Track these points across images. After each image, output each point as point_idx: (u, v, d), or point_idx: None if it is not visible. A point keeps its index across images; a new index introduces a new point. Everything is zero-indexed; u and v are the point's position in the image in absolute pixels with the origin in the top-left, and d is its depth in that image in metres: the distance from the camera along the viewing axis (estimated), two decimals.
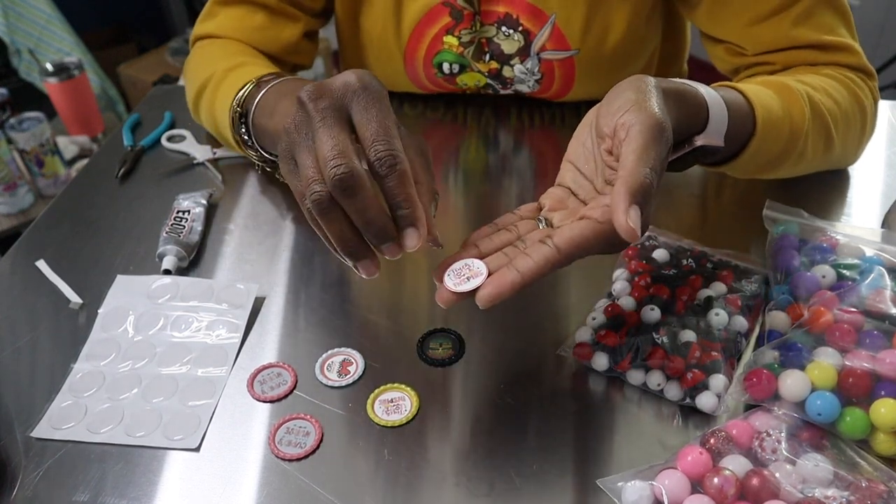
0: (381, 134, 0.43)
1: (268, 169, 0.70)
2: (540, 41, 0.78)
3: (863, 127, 0.70)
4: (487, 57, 0.82)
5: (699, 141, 0.53)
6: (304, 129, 0.45)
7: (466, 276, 0.45)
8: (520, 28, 0.78)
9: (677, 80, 0.53)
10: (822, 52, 0.70)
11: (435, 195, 0.48)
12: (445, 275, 0.46)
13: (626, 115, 0.46)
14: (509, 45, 0.80)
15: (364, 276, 0.46)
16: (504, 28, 0.79)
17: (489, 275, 0.45)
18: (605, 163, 0.49)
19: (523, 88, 0.85)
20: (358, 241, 0.45)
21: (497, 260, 0.47)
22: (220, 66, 0.72)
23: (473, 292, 0.45)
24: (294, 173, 0.46)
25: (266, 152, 0.66)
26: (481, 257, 0.47)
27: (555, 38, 0.78)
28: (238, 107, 0.65)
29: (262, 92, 0.63)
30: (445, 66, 0.83)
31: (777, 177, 0.69)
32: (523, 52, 0.80)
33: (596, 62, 0.79)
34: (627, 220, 0.42)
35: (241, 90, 0.65)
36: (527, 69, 0.81)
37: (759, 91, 0.61)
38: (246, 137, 0.66)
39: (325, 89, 0.45)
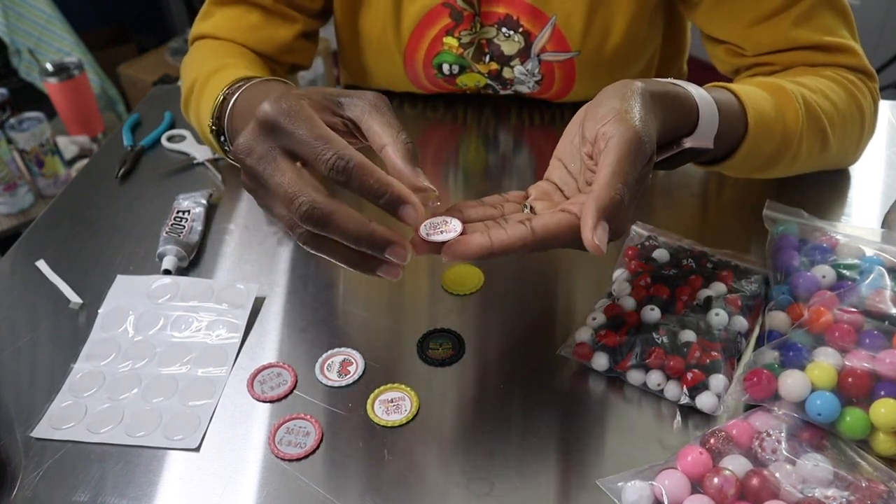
0: (317, 146, 0.43)
1: None
2: (540, 42, 0.78)
3: (861, 128, 0.70)
4: (487, 58, 0.82)
5: (687, 143, 0.53)
6: (257, 184, 0.46)
7: (441, 229, 0.46)
8: (520, 29, 0.78)
9: (668, 80, 0.53)
10: (822, 54, 0.70)
11: (408, 144, 0.46)
12: (422, 225, 0.46)
13: (608, 126, 0.46)
14: (509, 46, 0.80)
15: (392, 279, 0.45)
16: (504, 29, 0.79)
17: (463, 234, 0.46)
18: (585, 165, 0.50)
19: (523, 89, 0.85)
20: (362, 255, 0.45)
21: (475, 227, 0.48)
22: (203, 70, 0.71)
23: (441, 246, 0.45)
24: (277, 219, 0.47)
25: None
26: (463, 221, 0.47)
27: (555, 39, 0.78)
28: (213, 125, 0.65)
29: (230, 105, 0.63)
30: (445, 67, 0.83)
31: (772, 176, 0.69)
32: (524, 54, 0.80)
33: (596, 64, 0.79)
34: (594, 237, 0.43)
35: (214, 101, 0.65)
36: (527, 70, 0.81)
37: (752, 92, 0.61)
38: (228, 148, 0.66)
39: (250, 139, 0.45)
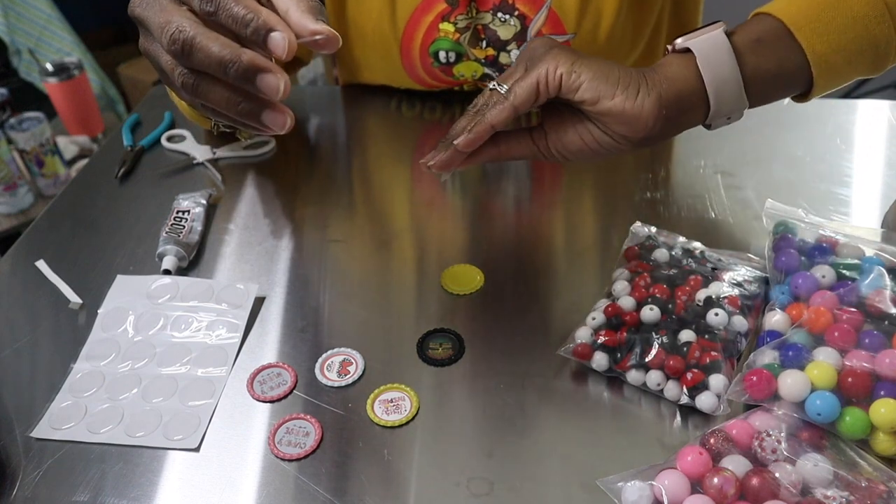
0: None
1: (227, 130, 0.68)
2: (536, 25, 0.79)
3: None
4: (484, 43, 0.82)
5: (713, 117, 0.54)
6: (146, 38, 0.45)
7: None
8: (516, 13, 0.78)
9: (666, 67, 0.54)
10: None
11: (312, 3, 0.44)
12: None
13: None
14: (506, 30, 0.80)
15: (279, 131, 0.44)
16: (500, 14, 0.79)
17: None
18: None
19: None
20: (243, 97, 0.43)
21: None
22: None
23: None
24: (167, 81, 0.45)
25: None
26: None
27: (551, 22, 0.78)
28: None
29: None
30: (442, 55, 0.82)
31: None
32: (520, 38, 0.80)
33: (592, 47, 0.79)
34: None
35: None
36: None
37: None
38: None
39: None
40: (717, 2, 0.83)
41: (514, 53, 0.82)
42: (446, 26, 0.80)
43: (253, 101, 0.43)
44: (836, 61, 0.55)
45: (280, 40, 0.41)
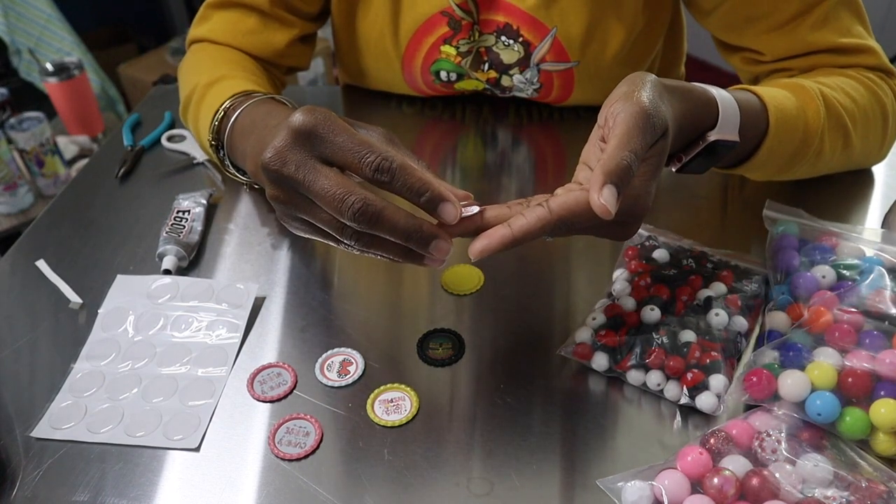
0: (360, 149, 0.44)
1: (256, 187, 0.70)
2: (540, 53, 0.78)
3: (884, 125, 0.69)
4: (486, 66, 0.81)
5: (712, 136, 0.54)
6: (293, 194, 0.46)
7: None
8: (520, 39, 0.78)
9: (685, 82, 0.54)
10: (840, 56, 0.69)
11: (430, 168, 0.48)
12: None
13: (615, 105, 0.47)
14: (509, 55, 0.79)
15: (442, 259, 0.47)
16: (504, 38, 0.78)
17: (481, 212, 0.47)
18: (601, 150, 0.50)
19: (522, 96, 0.84)
20: (408, 250, 0.46)
21: (498, 210, 0.48)
22: (201, 80, 0.71)
23: (467, 221, 0.47)
24: (313, 230, 0.48)
25: (243, 173, 0.67)
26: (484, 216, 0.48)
27: (555, 50, 0.77)
28: (213, 139, 0.66)
29: (231, 122, 0.63)
30: (443, 74, 0.82)
31: (796, 177, 0.68)
32: (523, 63, 0.80)
33: (595, 73, 0.79)
34: (599, 197, 0.43)
35: (214, 115, 0.65)
36: (526, 79, 0.81)
37: (773, 91, 0.61)
38: (227, 163, 0.67)
39: (284, 150, 0.45)
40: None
41: (517, 77, 0.81)
42: (448, 49, 0.80)
43: (415, 254, 0.47)
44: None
45: (452, 211, 0.45)
